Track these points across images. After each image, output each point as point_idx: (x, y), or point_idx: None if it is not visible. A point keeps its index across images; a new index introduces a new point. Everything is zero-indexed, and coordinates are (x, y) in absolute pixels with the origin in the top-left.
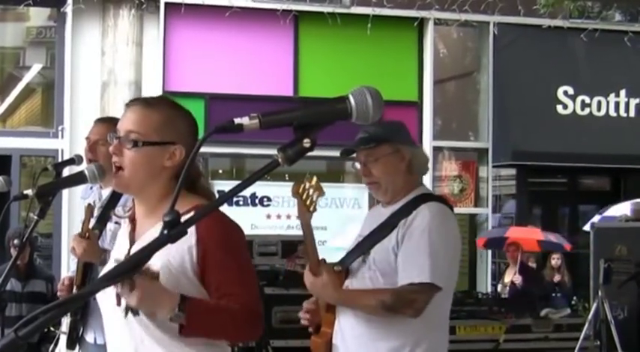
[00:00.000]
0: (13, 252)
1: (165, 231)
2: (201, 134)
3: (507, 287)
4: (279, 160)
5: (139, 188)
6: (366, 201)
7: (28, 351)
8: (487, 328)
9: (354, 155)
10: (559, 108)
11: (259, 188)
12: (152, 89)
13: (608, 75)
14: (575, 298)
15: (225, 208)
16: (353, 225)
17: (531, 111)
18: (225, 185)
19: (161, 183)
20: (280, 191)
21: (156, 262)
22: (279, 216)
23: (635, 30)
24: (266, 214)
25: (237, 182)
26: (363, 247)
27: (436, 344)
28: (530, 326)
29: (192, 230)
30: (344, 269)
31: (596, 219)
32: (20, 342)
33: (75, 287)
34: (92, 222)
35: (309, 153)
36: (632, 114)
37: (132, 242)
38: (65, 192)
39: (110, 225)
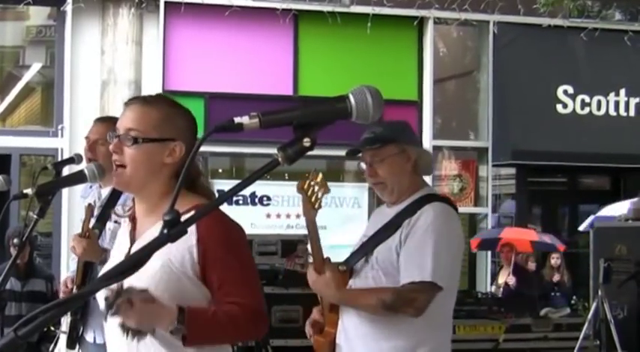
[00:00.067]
0: (13, 251)
1: (165, 231)
2: (200, 134)
3: (501, 288)
4: (279, 159)
5: (140, 186)
6: (365, 201)
7: (28, 350)
8: (487, 328)
9: (360, 155)
10: (559, 107)
11: (259, 187)
12: (152, 88)
13: (608, 74)
14: (574, 297)
15: (224, 207)
16: (353, 224)
17: (531, 110)
18: (225, 184)
19: (161, 180)
20: (280, 190)
21: (156, 261)
22: (278, 216)
23: (635, 29)
24: (266, 213)
25: (236, 181)
26: (367, 247)
27: (439, 343)
28: (530, 325)
29: (192, 229)
30: (348, 269)
31: (589, 220)
32: (20, 341)
33: (75, 287)
34: (92, 221)
35: (309, 152)
36: (631, 113)
37: (132, 241)
38: (65, 191)
39: (110, 225)
